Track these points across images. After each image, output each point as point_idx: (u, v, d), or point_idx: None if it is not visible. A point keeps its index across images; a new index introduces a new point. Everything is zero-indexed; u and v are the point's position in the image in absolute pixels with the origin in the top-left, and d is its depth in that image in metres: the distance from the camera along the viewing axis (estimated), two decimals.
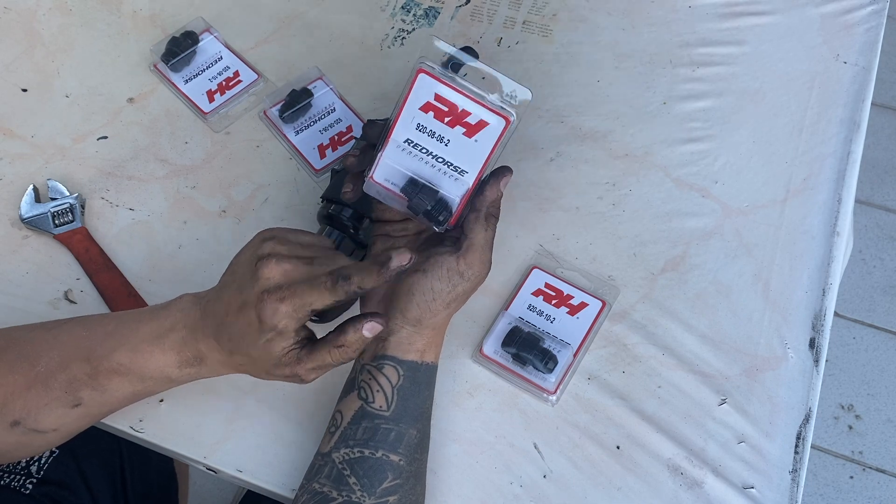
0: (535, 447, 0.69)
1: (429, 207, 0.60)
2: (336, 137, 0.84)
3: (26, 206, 0.79)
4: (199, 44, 0.88)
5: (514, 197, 0.80)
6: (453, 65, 0.62)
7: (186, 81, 0.87)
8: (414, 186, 0.60)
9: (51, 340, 0.63)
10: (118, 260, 0.78)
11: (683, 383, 0.71)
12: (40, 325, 0.66)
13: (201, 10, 0.92)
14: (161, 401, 0.71)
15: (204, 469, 0.70)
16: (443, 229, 0.61)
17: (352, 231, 0.74)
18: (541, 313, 0.74)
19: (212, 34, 0.89)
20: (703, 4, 0.91)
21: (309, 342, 0.59)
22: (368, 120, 0.67)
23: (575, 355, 0.72)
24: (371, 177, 0.61)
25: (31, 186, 0.80)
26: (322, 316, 0.63)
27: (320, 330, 0.60)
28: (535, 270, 0.76)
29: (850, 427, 1.54)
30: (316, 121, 0.84)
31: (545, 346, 0.70)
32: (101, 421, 0.70)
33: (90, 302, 0.76)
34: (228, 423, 0.70)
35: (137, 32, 0.91)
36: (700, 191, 0.80)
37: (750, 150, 0.82)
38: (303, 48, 0.90)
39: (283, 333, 0.56)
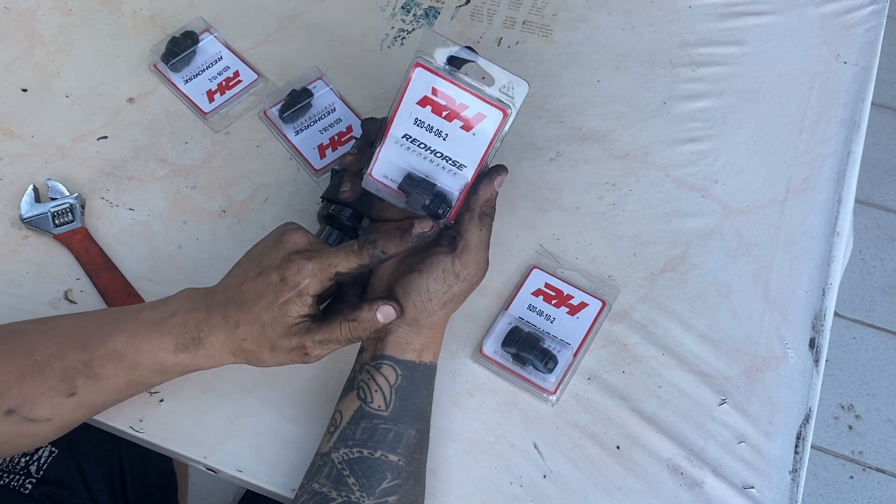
0: (535, 447, 0.69)
1: (427, 202, 0.60)
2: (336, 137, 0.84)
3: (26, 206, 0.79)
4: (199, 44, 0.88)
5: (514, 197, 0.80)
6: (451, 59, 0.62)
7: (186, 81, 0.87)
8: (411, 182, 0.60)
9: (49, 331, 0.63)
10: (118, 260, 0.78)
11: (683, 383, 0.71)
12: (39, 318, 0.66)
13: (201, 10, 0.92)
14: (161, 401, 0.71)
15: (204, 469, 0.70)
16: (443, 223, 0.61)
17: (352, 231, 0.74)
18: (541, 313, 0.74)
19: (212, 34, 0.89)
20: (703, 4, 0.91)
21: (321, 318, 0.60)
22: (366, 117, 0.67)
23: (575, 355, 0.72)
24: (370, 173, 0.61)
25: (31, 186, 0.80)
26: (339, 290, 0.64)
27: None
28: (535, 270, 0.76)
29: (850, 427, 1.54)
30: (316, 121, 0.84)
31: (545, 346, 0.70)
32: (101, 420, 0.70)
33: (90, 302, 0.76)
34: (228, 423, 0.70)
35: (137, 32, 0.91)
36: (700, 191, 0.80)
37: (750, 150, 0.82)
38: (303, 48, 0.90)
39: (303, 296, 0.57)
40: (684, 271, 0.76)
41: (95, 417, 0.68)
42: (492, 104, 0.59)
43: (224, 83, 0.87)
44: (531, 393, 0.71)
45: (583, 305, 0.74)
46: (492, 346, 0.72)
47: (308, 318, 0.58)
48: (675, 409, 0.70)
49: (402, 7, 0.93)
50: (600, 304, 0.74)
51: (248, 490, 1.03)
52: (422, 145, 0.60)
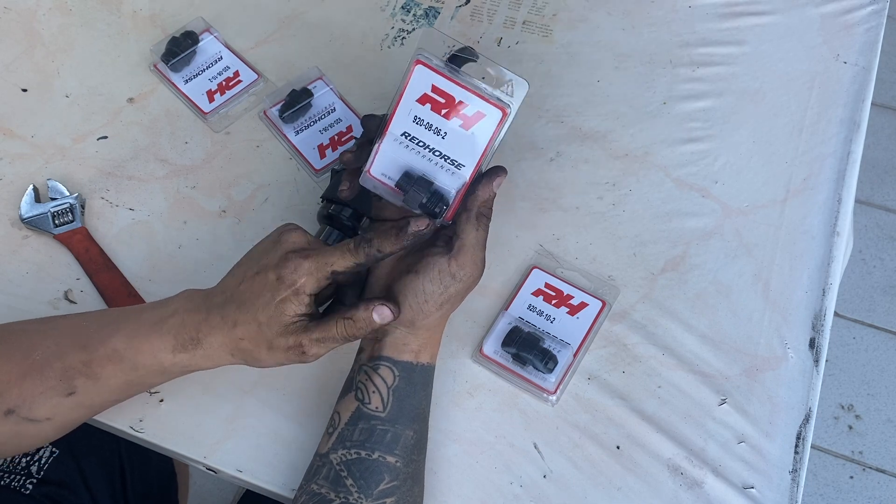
0: (535, 447, 0.69)
1: (424, 200, 0.59)
2: (336, 137, 0.84)
3: (26, 206, 0.79)
4: (199, 44, 0.88)
5: (514, 197, 0.80)
6: (454, 58, 0.62)
7: (186, 81, 0.87)
8: (409, 180, 0.60)
9: (49, 331, 0.63)
10: (118, 260, 0.78)
11: (683, 383, 0.71)
12: (38, 318, 0.66)
13: (201, 10, 0.92)
14: (161, 401, 0.71)
15: (204, 469, 0.70)
16: (440, 222, 0.61)
17: (352, 231, 0.74)
18: (541, 313, 0.74)
19: (212, 34, 0.89)
20: (703, 4, 0.91)
21: (318, 318, 0.60)
22: (366, 114, 0.67)
23: (575, 355, 0.72)
24: (368, 171, 0.61)
25: (31, 186, 0.80)
26: (338, 291, 0.64)
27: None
28: (535, 270, 0.76)
29: (850, 427, 1.54)
30: (316, 121, 0.84)
31: (545, 346, 0.70)
32: (102, 420, 0.70)
33: (90, 302, 0.76)
34: (228, 423, 0.70)
35: (137, 32, 0.91)
36: (700, 191, 0.80)
37: (750, 150, 0.82)
38: (303, 48, 0.90)
39: (299, 294, 0.57)
40: (684, 271, 0.76)
41: (96, 417, 0.68)
42: (491, 103, 0.59)
43: (224, 83, 0.87)
44: (531, 393, 0.71)
45: (583, 305, 0.74)
46: (492, 346, 0.72)
47: (305, 317, 0.58)
48: (675, 409, 0.70)
49: (402, 7, 0.93)
50: (600, 304, 0.74)
51: (247, 490, 1.03)
52: (420, 143, 0.60)
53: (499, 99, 0.59)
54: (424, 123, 0.60)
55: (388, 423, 0.61)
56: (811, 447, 0.69)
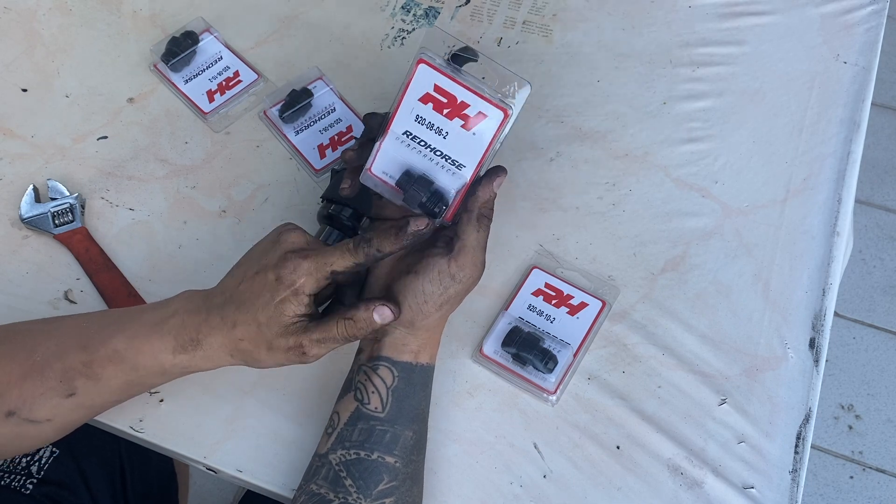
0: (535, 447, 0.69)
1: (423, 199, 0.59)
2: (336, 137, 0.84)
3: (26, 206, 0.79)
4: (199, 44, 0.88)
5: (514, 197, 0.80)
6: (454, 57, 0.62)
7: (186, 81, 0.87)
8: (409, 178, 0.60)
9: (50, 331, 0.63)
10: (118, 260, 0.78)
11: (683, 383, 0.71)
12: (41, 319, 0.66)
13: (201, 10, 0.92)
14: (161, 401, 0.71)
15: (204, 469, 0.70)
16: (440, 222, 0.61)
17: (352, 231, 0.74)
18: (541, 313, 0.74)
19: (212, 34, 0.89)
20: (703, 4, 0.91)
21: (318, 318, 0.60)
22: (368, 113, 0.67)
23: (575, 355, 0.72)
24: (369, 169, 0.61)
25: (31, 186, 0.80)
26: (338, 291, 0.64)
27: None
28: (535, 270, 0.76)
29: (850, 427, 1.54)
30: (316, 121, 0.84)
31: (545, 346, 0.70)
32: (102, 420, 0.70)
33: (90, 302, 0.76)
34: (228, 423, 0.70)
35: (137, 32, 0.91)
36: (700, 191, 0.80)
37: (750, 150, 0.82)
38: (303, 48, 0.90)
39: (299, 294, 0.57)
40: (684, 271, 0.76)
41: (96, 418, 0.68)
42: (493, 104, 0.58)
43: (224, 83, 0.87)
44: (531, 393, 0.71)
45: (583, 305, 0.74)
46: (492, 346, 0.72)
47: (305, 317, 0.58)
48: (675, 409, 0.70)
49: (402, 7, 0.93)
50: (600, 304, 0.74)
51: (248, 490, 1.03)
52: (422, 143, 0.60)
53: (501, 100, 0.59)
54: (426, 123, 0.60)
55: (388, 423, 0.61)
56: (811, 447, 0.69)
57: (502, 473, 0.68)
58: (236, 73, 0.87)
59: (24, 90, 0.88)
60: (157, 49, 0.87)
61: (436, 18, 0.92)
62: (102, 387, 0.61)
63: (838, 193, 0.79)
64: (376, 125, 0.63)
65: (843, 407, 1.56)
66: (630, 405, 0.70)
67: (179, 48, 0.86)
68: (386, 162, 0.61)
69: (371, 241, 0.58)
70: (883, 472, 1.50)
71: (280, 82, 0.87)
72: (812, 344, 0.73)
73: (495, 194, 0.62)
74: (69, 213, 0.79)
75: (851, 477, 1.50)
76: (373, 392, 0.61)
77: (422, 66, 0.59)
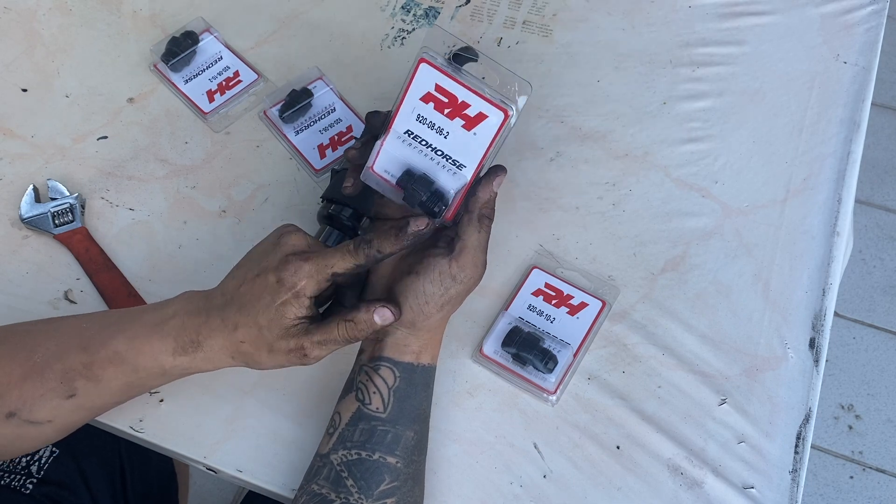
0: (535, 447, 0.69)
1: (424, 198, 0.59)
2: (336, 137, 0.84)
3: (26, 206, 0.79)
4: (199, 44, 0.88)
5: (514, 197, 0.80)
6: (455, 57, 0.62)
7: (186, 81, 0.87)
8: (409, 177, 0.60)
9: (50, 332, 0.63)
10: (118, 260, 0.78)
11: (683, 383, 0.71)
12: (42, 319, 0.66)
13: (201, 10, 0.92)
14: (161, 401, 0.71)
15: (204, 469, 0.70)
16: (440, 222, 0.61)
17: (352, 231, 0.74)
18: (541, 313, 0.74)
19: (212, 34, 0.89)
20: (703, 4, 0.91)
21: (319, 320, 0.60)
22: (370, 111, 0.67)
23: (575, 355, 0.72)
24: (371, 167, 0.61)
25: (31, 186, 0.80)
26: (338, 292, 0.64)
27: None
28: (535, 270, 0.76)
29: (850, 427, 1.54)
30: (316, 121, 0.84)
31: (545, 346, 0.70)
32: (102, 421, 0.70)
33: (90, 302, 0.76)
34: (228, 423, 0.70)
35: (137, 32, 0.91)
36: (700, 191, 0.80)
37: (750, 150, 0.82)
38: (303, 48, 0.90)
39: (300, 297, 0.57)
40: (684, 271, 0.76)
41: (96, 418, 0.68)
42: (494, 104, 0.58)
43: (224, 83, 0.87)
44: (531, 393, 0.71)
45: (583, 305, 0.74)
46: (492, 346, 0.72)
47: (306, 319, 0.58)
48: (675, 409, 0.70)
49: (402, 7, 0.93)
50: (600, 304, 0.74)
51: (250, 491, 1.03)
52: (423, 142, 0.60)
53: (501, 101, 0.59)
54: (427, 122, 0.60)
55: (389, 423, 0.61)
56: (811, 447, 0.69)
57: (502, 473, 0.68)
58: (236, 73, 0.87)
59: (24, 90, 0.88)
60: (157, 49, 0.87)
61: (436, 18, 0.92)
62: (103, 388, 0.61)
63: (838, 193, 0.79)
64: (378, 123, 0.63)
65: (843, 407, 1.56)
66: (630, 405, 0.70)
67: (179, 48, 0.86)
68: (387, 160, 0.61)
69: (371, 243, 0.58)
70: (883, 472, 1.50)
71: (280, 82, 0.87)
72: (812, 344, 0.73)
73: (495, 194, 0.62)
74: (69, 213, 0.79)
75: (851, 477, 1.50)
76: (374, 392, 0.61)
77: (423, 65, 0.59)
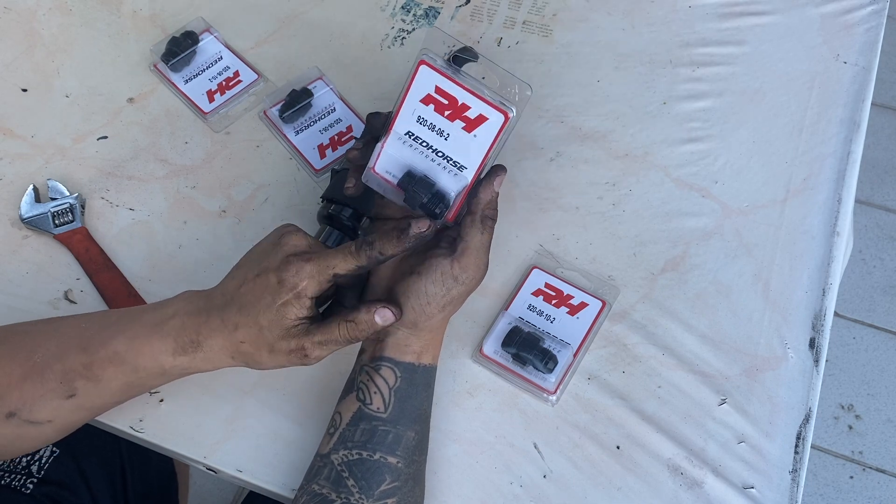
0: (535, 447, 0.69)
1: (424, 200, 0.59)
2: (336, 137, 0.84)
3: (26, 206, 0.79)
4: (199, 44, 0.88)
5: (514, 197, 0.80)
6: (455, 58, 0.62)
7: (186, 81, 0.87)
8: (410, 179, 0.60)
9: (50, 332, 0.63)
10: (118, 260, 0.78)
11: (683, 383, 0.71)
12: (42, 319, 0.66)
13: (201, 10, 0.92)
14: (161, 401, 0.71)
15: (204, 469, 0.70)
16: (441, 223, 0.61)
17: (352, 231, 0.74)
18: (541, 313, 0.74)
19: (212, 34, 0.89)
20: (703, 4, 0.91)
21: (319, 320, 0.60)
22: (371, 112, 0.67)
23: (575, 355, 0.72)
24: (372, 168, 0.61)
25: (31, 186, 0.80)
26: (338, 293, 0.64)
27: None
28: (535, 270, 0.76)
29: (850, 427, 1.54)
30: (316, 121, 0.84)
31: (545, 346, 0.70)
32: (102, 420, 0.70)
33: (90, 302, 0.76)
34: (228, 423, 0.70)
35: (137, 32, 0.91)
36: (700, 191, 0.80)
37: (750, 150, 0.82)
38: (303, 48, 0.90)
39: (301, 298, 0.57)
40: (684, 271, 0.76)
41: (96, 418, 0.68)
42: (494, 106, 0.58)
43: (224, 83, 0.87)
44: (531, 393, 0.71)
45: (583, 305, 0.74)
46: (492, 346, 0.72)
47: (306, 320, 0.58)
48: (675, 409, 0.70)
49: (402, 7, 0.93)
50: (600, 304, 0.74)
51: (250, 491, 1.03)
52: (424, 143, 0.60)
53: (501, 103, 0.59)
54: (428, 124, 0.60)
55: (390, 423, 0.61)
56: (811, 447, 0.69)
57: (502, 473, 0.68)
58: (236, 73, 0.87)
59: (24, 90, 0.88)
60: (157, 49, 0.87)
61: (436, 18, 0.92)
62: (103, 388, 0.61)
63: (838, 193, 0.79)
64: (379, 125, 0.63)
65: (843, 407, 1.56)
66: (630, 405, 0.70)
67: (179, 48, 0.86)
68: (389, 161, 0.61)
69: (373, 244, 0.58)
70: (883, 472, 1.50)
71: (280, 82, 0.87)
72: (812, 344, 0.73)
73: (497, 193, 0.62)
74: (69, 213, 0.79)
75: (851, 477, 1.50)
76: (375, 392, 0.61)
77: (423, 67, 0.59)
